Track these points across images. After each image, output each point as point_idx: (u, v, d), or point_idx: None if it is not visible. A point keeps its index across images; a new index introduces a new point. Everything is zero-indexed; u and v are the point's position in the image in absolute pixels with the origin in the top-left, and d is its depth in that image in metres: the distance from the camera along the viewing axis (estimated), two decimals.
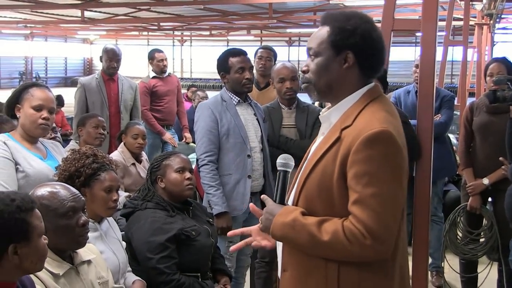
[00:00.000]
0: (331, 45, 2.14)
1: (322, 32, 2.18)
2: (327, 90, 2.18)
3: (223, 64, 4.05)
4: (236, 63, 4.00)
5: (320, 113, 2.28)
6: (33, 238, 2.04)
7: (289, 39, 36.10)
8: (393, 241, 2.03)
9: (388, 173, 1.99)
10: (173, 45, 39.32)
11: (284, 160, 2.21)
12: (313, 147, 2.27)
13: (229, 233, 2.51)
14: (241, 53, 4.07)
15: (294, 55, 35.38)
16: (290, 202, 2.21)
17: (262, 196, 2.27)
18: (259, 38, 32.99)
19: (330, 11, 2.27)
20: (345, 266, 2.06)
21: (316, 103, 7.47)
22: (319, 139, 2.24)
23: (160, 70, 7.27)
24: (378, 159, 1.98)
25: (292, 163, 2.23)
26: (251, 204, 2.40)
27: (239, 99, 4.06)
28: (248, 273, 4.54)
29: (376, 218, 1.96)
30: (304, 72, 2.22)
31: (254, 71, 5.55)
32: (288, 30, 28.27)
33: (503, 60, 4.78)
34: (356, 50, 2.13)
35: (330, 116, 2.18)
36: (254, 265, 4.52)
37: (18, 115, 3.27)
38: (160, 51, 7.47)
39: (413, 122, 4.43)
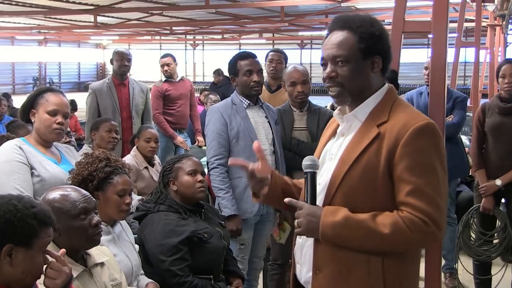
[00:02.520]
0: (361, 51, 2.21)
1: (346, 38, 2.22)
2: (359, 94, 2.25)
3: (232, 68, 4.08)
4: (244, 66, 4.02)
5: (335, 114, 2.32)
6: (33, 248, 2.02)
7: (301, 42, 36.10)
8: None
9: (437, 162, 2.11)
10: (186, 49, 39.42)
11: (310, 161, 2.22)
12: (332, 147, 2.30)
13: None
14: (249, 56, 4.09)
15: (306, 58, 35.33)
16: (319, 202, 2.22)
17: (288, 199, 2.23)
18: (271, 41, 33.01)
19: (343, 16, 2.30)
20: (388, 259, 2.15)
21: (328, 105, 7.47)
22: (338, 138, 2.29)
23: (167, 75, 7.30)
24: (428, 149, 2.10)
25: (318, 163, 2.24)
26: (255, 142, 2.45)
27: (249, 102, 4.07)
28: (261, 275, 4.55)
29: (435, 205, 2.07)
30: (332, 78, 2.24)
31: (265, 74, 5.58)
32: (300, 33, 28.27)
33: None
34: (383, 54, 2.23)
35: (357, 115, 2.24)
36: (267, 267, 4.53)
37: (33, 120, 3.31)
38: (165, 56, 7.49)
39: None
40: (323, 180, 2.24)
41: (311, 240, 2.24)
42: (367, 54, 2.20)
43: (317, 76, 29.79)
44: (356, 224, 2.09)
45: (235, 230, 3.82)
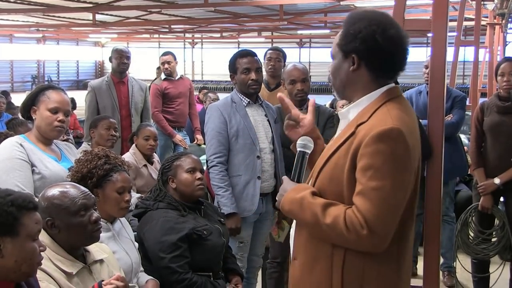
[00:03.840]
0: (339, 48, 2.25)
1: (337, 36, 2.29)
2: (341, 90, 2.32)
3: (232, 66, 4.10)
4: (243, 64, 4.03)
5: (337, 111, 2.38)
6: (20, 236, 2.02)
7: (300, 41, 36.09)
8: (390, 236, 2.09)
9: (392, 170, 2.06)
10: (184, 48, 39.42)
11: (303, 141, 2.32)
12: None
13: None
14: (248, 54, 4.09)
15: (305, 57, 35.34)
16: None
17: (284, 177, 2.37)
18: (270, 40, 33.02)
19: (352, 13, 2.29)
20: (351, 255, 2.14)
21: (327, 104, 7.49)
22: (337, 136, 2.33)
23: (167, 73, 7.30)
24: (384, 154, 2.05)
25: (312, 145, 2.33)
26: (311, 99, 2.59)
27: (249, 100, 4.08)
28: (260, 273, 4.55)
29: (375, 211, 2.03)
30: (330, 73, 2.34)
31: (264, 72, 5.59)
32: (299, 32, 28.28)
33: None
34: (359, 54, 2.20)
35: (348, 113, 2.27)
36: (266, 265, 4.53)
37: (33, 117, 3.31)
38: (165, 54, 7.49)
39: (424, 122, 4.44)
40: (311, 173, 2.33)
41: (293, 229, 2.35)
42: (345, 52, 2.22)
43: (316, 74, 29.86)
44: (307, 206, 2.15)
45: (234, 228, 3.82)
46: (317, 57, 35.02)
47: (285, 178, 2.34)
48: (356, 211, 2.05)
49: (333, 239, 2.14)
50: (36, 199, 2.18)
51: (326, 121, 4.26)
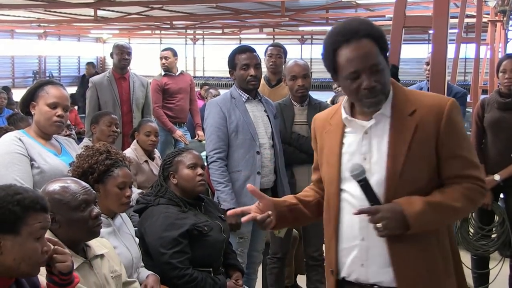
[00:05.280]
0: (385, 56, 2.25)
1: (371, 46, 2.20)
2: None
3: (231, 61, 4.10)
4: (242, 60, 4.03)
5: (344, 118, 2.32)
6: (21, 234, 2.02)
7: (301, 37, 36.05)
8: None
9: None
10: (186, 44, 39.36)
11: (358, 169, 2.17)
12: (360, 147, 2.29)
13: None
14: (247, 50, 4.10)
15: (306, 53, 35.30)
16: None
17: (359, 211, 2.19)
18: (272, 36, 32.98)
19: (349, 26, 2.24)
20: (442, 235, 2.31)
21: (328, 100, 7.49)
22: (363, 139, 2.28)
23: (164, 69, 7.33)
24: (461, 122, 2.30)
25: (362, 166, 2.19)
26: (248, 185, 2.42)
27: (248, 96, 4.08)
28: (260, 269, 4.56)
29: (479, 168, 2.32)
30: (374, 87, 2.20)
31: (265, 68, 5.59)
32: (301, 28, 28.23)
33: None
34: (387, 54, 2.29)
35: (385, 112, 2.26)
36: (266, 261, 4.55)
37: (32, 112, 3.32)
38: (165, 49, 7.54)
39: None
40: (374, 180, 2.22)
41: (380, 240, 2.22)
42: (385, 55, 2.25)
43: (318, 71, 29.72)
44: (437, 207, 2.19)
45: (235, 224, 3.82)
46: (318, 54, 34.70)
47: (375, 207, 2.17)
48: (474, 181, 2.24)
49: (466, 214, 2.44)
50: (47, 201, 2.18)
51: None
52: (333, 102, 7.88)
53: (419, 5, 16.02)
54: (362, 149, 2.28)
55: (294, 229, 4.55)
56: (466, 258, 5.03)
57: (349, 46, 2.18)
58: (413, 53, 26.95)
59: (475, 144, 4.76)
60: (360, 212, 2.18)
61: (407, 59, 23.83)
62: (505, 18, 11.56)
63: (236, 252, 3.80)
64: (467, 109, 5.89)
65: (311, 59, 33.24)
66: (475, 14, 10.99)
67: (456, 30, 9.37)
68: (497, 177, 4.59)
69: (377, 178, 2.22)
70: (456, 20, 9.75)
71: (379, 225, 2.15)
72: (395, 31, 4.63)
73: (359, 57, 2.17)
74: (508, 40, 12.34)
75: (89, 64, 15.61)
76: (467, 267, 4.99)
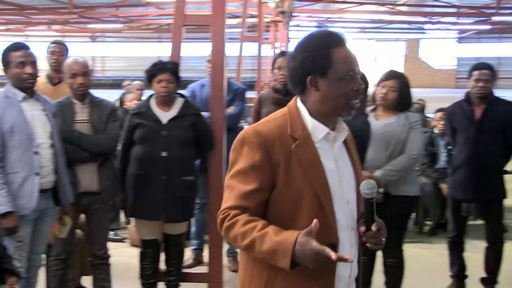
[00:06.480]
0: None
1: None
2: None
3: (4, 60, 3.90)
4: (17, 57, 3.86)
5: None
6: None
7: (92, 35, 35.20)
8: None
9: None
10: None
11: (371, 188, 2.07)
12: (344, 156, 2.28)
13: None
14: (22, 47, 3.91)
15: (99, 51, 34.60)
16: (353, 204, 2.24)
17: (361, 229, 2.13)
18: (61, 34, 31.78)
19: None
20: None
21: (117, 99, 7.42)
22: (341, 148, 2.27)
23: None
24: None
25: (375, 187, 2.09)
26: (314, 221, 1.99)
27: (24, 95, 3.90)
28: (42, 272, 4.40)
29: None
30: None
31: (48, 66, 5.41)
32: (90, 26, 27.55)
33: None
34: None
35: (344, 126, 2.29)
36: (49, 263, 4.41)
37: None
38: None
39: (207, 114, 4.60)
40: (351, 198, 2.23)
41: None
42: None
43: (110, 69, 29.31)
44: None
45: (11, 228, 3.65)
46: (111, 52, 34.46)
47: (379, 222, 2.13)
48: None
49: None
50: None
51: (109, 115, 4.28)
52: (121, 100, 7.82)
53: (204, 5, 16.45)
54: (337, 164, 2.20)
55: (77, 229, 4.44)
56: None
57: (344, 47, 2.15)
58: (197, 51, 27.37)
59: None
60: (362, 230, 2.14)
61: (194, 57, 24.38)
62: (286, 19, 12.28)
63: (14, 256, 3.62)
64: (247, 104, 6.19)
65: (103, 57, 32.70)
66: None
67: (241, 30, 9.79)
68: None
69: (352, 196, 2.23)
70: (240, 20, 10.18)
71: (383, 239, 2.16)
72: (176, 29, 4.74)
73: (355, 59, 2.17)
74: (290, 40, 13.10)
75: None
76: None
